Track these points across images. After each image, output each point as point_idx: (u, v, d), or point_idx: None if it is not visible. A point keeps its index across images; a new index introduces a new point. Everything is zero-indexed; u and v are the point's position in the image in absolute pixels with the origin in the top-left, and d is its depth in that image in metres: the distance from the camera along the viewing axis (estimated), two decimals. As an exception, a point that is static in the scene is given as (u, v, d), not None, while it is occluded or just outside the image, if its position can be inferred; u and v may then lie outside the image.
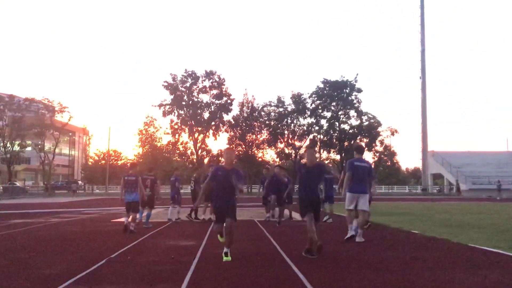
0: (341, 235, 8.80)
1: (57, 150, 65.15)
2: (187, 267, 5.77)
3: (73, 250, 7.47)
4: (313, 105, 60.60)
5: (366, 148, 60.41)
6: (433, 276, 5.22)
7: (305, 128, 60.59)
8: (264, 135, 60.63)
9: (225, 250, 6.48)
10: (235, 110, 60.04)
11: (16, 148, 60.66)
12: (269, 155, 63.15)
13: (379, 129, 60.25)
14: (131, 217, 10.59)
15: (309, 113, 60.39)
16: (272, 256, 6.80)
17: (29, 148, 64.74)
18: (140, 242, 8.56)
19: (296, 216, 13.18)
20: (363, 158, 8.85)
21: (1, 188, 49.48)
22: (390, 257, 6.72)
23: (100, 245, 8.11)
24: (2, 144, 59.23)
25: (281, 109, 60.60)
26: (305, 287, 4.66)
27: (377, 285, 4.76)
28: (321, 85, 59.99)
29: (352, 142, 60.09)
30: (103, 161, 72.45)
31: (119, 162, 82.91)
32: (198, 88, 59.25)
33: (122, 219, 14.13)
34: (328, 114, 60.93)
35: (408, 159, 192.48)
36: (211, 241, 8.43)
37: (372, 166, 9.16)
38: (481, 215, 15.80)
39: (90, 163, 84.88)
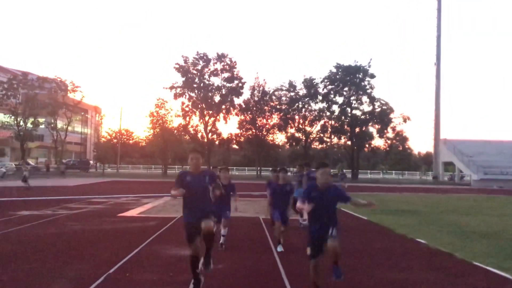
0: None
1: (69, 128, 65.75)
2: (183, 291, 5.74)
3: (71, 262, 7.36)
4: (325, 90, 60.09)
5: (378, 135, 60.05)
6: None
7: (316, 113, 60.21)
8: (275, 119, 60.45)
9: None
10: (246, 94, 59.92)
11: (30, 126, 61.13)
12: (279, 139, 63.28)
13: (391, 115, 59.55)
14: None
15: (320, 98, 59.92)
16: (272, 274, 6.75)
17: (42, 126, 65.24)
18: (141, 250, 8.51)
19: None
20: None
21: (14, 166, 49.92)
22: (402, 279, 6.62)
23: (101, 253, 8.11)
24: (16, 122, 59.81)
25: (292, 94, 60.22)
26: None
27: None
28: (334, 70, 59.44)
29: (363, 129, 59.64)
30: (115, 140, 72.97)
31: (131, 141, 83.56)
32: (209, 71, 59.01)
33: (128, 213, 14.17)
34: (340, 100, 60.39)
35: (420, 145, 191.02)
36: (213, 252, 8.37)
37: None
38: (492, 218, 15.69)
39: (102, 141, 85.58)
